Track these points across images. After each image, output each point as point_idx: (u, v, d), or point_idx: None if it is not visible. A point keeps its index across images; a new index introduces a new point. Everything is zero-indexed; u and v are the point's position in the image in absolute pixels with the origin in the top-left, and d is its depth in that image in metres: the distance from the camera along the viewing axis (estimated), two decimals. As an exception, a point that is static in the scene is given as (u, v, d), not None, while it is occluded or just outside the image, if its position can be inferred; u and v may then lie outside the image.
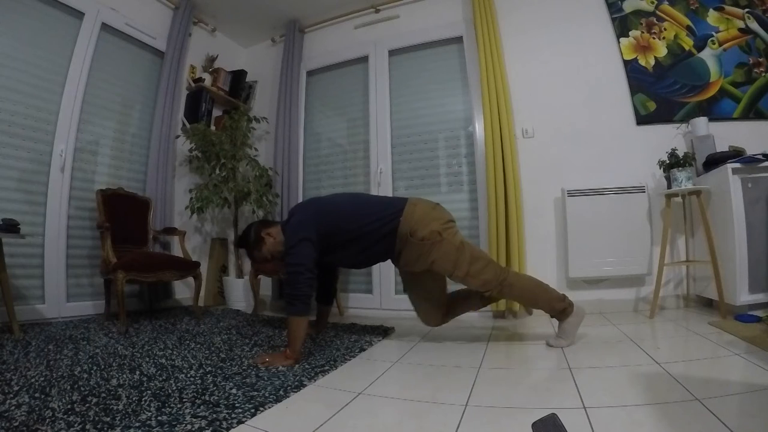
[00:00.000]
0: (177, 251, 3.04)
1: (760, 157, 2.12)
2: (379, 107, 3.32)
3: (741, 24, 2.66)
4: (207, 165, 3.32)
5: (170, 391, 1.25)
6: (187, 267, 2.67)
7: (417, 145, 3.23)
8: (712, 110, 2.61)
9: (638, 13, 2.82)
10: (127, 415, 1.06)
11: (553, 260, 2.77)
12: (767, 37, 2.62)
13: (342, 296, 3.13)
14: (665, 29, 2.77)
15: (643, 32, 2.80)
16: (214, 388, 1.30)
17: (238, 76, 3.79)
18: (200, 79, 3.51)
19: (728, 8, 2.69)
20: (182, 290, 3.22)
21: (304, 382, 1.37)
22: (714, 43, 2.68)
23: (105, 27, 2.86)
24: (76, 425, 0.99)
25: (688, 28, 2.74)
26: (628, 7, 2.84)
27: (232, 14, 3.63)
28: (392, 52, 3.39)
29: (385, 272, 3.06)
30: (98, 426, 0.99)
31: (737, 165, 2.14)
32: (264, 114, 3.68)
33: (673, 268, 2.60)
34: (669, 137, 2.60)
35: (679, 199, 2.56)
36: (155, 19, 3.23)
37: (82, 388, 1.27)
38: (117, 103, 3.00)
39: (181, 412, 1.08)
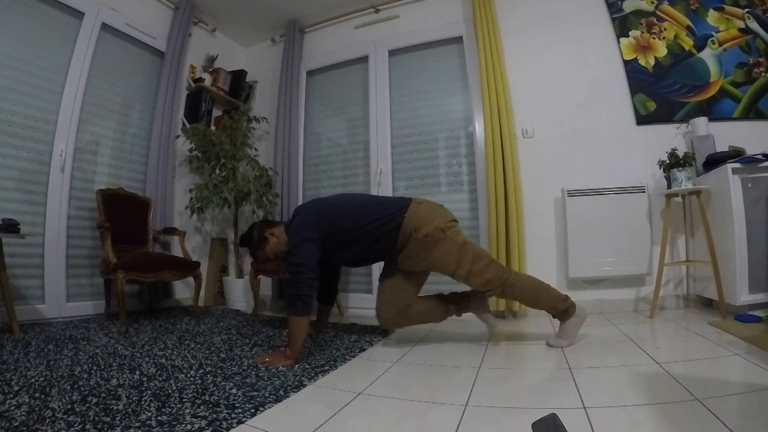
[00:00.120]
0: (177, 251, 3.04)
1: (760, 157, 2.12)
2: (379, 107, 3.32)
3: (741, 24, 2.66)
4: (207, 165, 3.32)
5: (170, 391, 1.25)
6: (187, 267, 2.67)
7: (417, 145, 3.22)
8: (712, 110, 2.61)
9: (638, 13, 2.82)
10: (127, 415, 1.06)
11: (553, 260, 2.77)
12: (767, 37, 2.62)
13: (342, 296, 3.13)
14: (665, 29, 2.77)
15: (643, 32, 2.80)
16: (214, 388, 1.30)
17: (238, 76, 3.79)
18: (200, 79, 3.51)
19: (728, 8, 2.69)
20: (182, 290, 3.22)
21: (304, 382, 1.37)
22: (714, 43, 2.68)
23: (105, 27, 2.86)
24: (76, 425, 0.99)
25: (688, 28, 2.74)
26: (628, 7, 2.84)
27: (232, 14, 3.63)
28: (392, 52, 3.39)
29: (385, 272, 3.05)
30: (98, 426, 0.99)
31: (737, 165, 2.14)
32: (264, 114, 3.68)
33: (673, 268, 2.60)
34: (669, 137, 2.60)
35: (679, 199, 2.56)
36: (155, 19, 3.23)
37: (82, 388, 1.27)
38: (117, 103, 3.00)
39: (181, 412, 1.08)
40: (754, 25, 2.65)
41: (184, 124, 3.40)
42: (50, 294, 2.47)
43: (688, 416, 0.97)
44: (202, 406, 1.13)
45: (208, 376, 1.43)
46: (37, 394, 1.20)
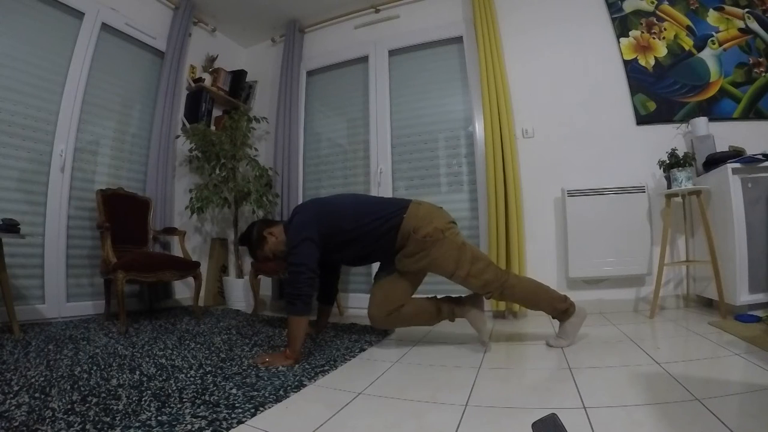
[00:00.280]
0: (177, 251, 3.04)
1: (760, 157, 2.12)
2: (379, 107, 3.32)
3: (741, 24, 2.66)
4: (207, 165, 3.32)
5: (170, 391, 1.25)
6: (187, 267, 2.67)
7: (417, 145, 3.22)
8: (712, 110, 2.61)
9: (638, 13, 2.82)
10: (127, 415, 1.06)
11: (553, 260, 2.77)
12: (767, 37, 2.62)
13: (342, 296, 3.13)
14: (665, 29, 2.77)
15: (643, 32, 2.80)
16: (214, 388, 1.30)
17: (238, 76, 3.79)
18: (200, 79, 3.51)
19: (728, 8, 2.69)
20: (182, 290, 3.22)
21: (304, 382, 1.37)
22: (714, 43, 2.68)
23: (105, 27, 2.86)
24: (76, 425, 0.99)
25: (688, 28, 2.74)
26: (628, 7, 2.84)
27: (232, 14, 3.63)
28: (392, 52, 3.39)
29: (385, 272, 3.05)
30: (98, 426, 0.99)
31: (737, 165, 2.14)
32: (264, 114, 3.68)
33: (673, 268, 2.60)
34: (669, 137, 2.60)
35: (679, 199, 2.56)
36: (155, 19, 3.23)
37: (82, 388, 1.27)
38: (117, 103, 3.00)
39: (181, 412, 1.08)
40: (754, 25, 2.65)
41: (184, 124, 3.40)
42: (50, 294, 2.47)
43: (688, 416, 0.97)
44: (202, 406, 1.13)
45: (208, 376, 1.43)
46: (37, 394, 1.20)
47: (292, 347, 1.62)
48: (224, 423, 1.02)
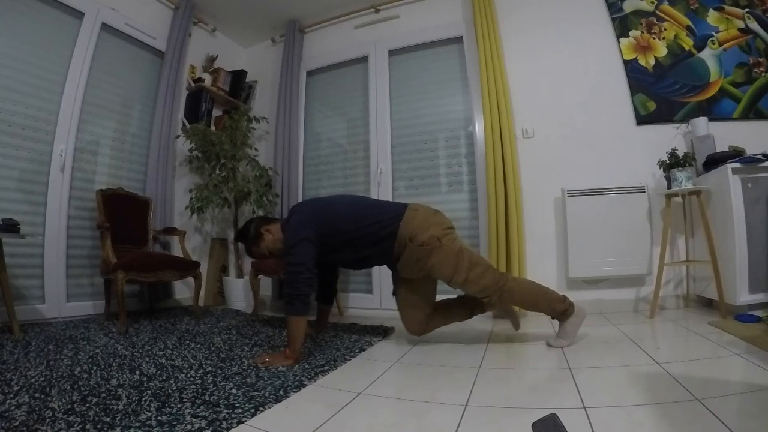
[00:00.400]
0: (177, 251, 3.04)
1: (760, 157, 2.11)
2: (379, 107, 3.32)
3: (741, 24, 2.66)
4: (207, 165, 3.32)
5: (170, 391, 1.25)
6: (187, 267, 2.67)
7: (417, 145, 3.22)
8: (712, 110, 2.61)
9: (638, 13, 2.82)
10: (127, 415, 1.06)
11: (553, 260, 2.77)
12: (767, 37, 2.62)
13: (342, 296, 3.13)
14: (665, 29, 2.77)
15: (643, 32, 2.80)
16: (214, 388, 1.30)
17: (238, 76, 3.79)
18: (200, 79, 3.51)
19: (728, 8, 2.69)
20: (182, 290, 3.22)
21: (304, 382, 1.37)
22: (714, 43, 2.68)
23: (105, 27, 2.86)
24: (76, 425, 0.99)
25: (688, 28, 2.74)
26: (628, 7, 2.84)
27: (232, 14, 3.63)
28: (392, 52, 3.39)
29: (385, 272, 3.03)
30: (98, 426, 0.99)
31: (737, 165, 2.14)
32: (264, 114, 3.68)
33: (673, 268, 2.60)
34: (669, 137, 2.60)
35: (679, 199, 2.56)
36: (155, 19, 3.23)
37: (82, 388, 1.27)
38: (117, 103, 3.00)
39: (181, 412, 1.08)
40: (754, 25, 2.65)
41: (184, 124, 3.40)
42: (50, 294, 2.47)
43: (688, 416, 0.97)
44: (202, 406, 1.13)
45: (208, 376, 1.43)
46: (37, 394, 1.20)
47: (292, 347, 1.62)
48: (224, 423, 1.02)
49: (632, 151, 2.71)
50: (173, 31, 3.25)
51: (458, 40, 3.19)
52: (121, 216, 2.66)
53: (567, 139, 2.83)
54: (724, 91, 2.62)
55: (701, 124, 2.48)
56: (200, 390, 1.27)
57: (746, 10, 2.67)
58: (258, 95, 3.98)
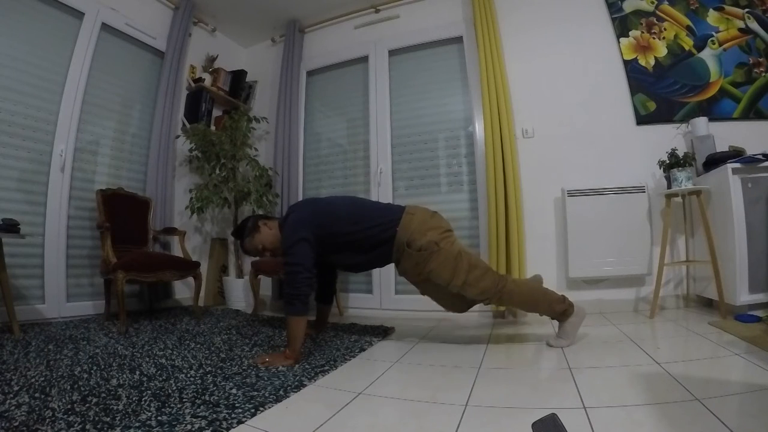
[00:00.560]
0: (177, 251, 3.04)
1: (760, 157, 2.11)
2: (379, 107, 3.32)
3: (741, 24, 2.66)
4: (207, 165, 3.32)
5: (170, 391, 1.25)
6: (187, 267, 2.67)
7: (417, 145, 3.22)
8: (712, 110, 2.61)
9: (638, 13, 2.82)
10: (127, 415, 1.06)
11: (553, 260, 2.77)
12: (767, 37, 2.62)
13: (342, 296, 3.13)
14: (665, 29, 2.77)
15: (643, 32, 2.80)
16: (214, 388, 1.30)
17: (238, 76, 3.79)
18: (200, 79, 3.51)
19: (728, 8, 2.69)
20: (182, 290, 3.22)
21: (304, 382, 1.37)
22: (714, 43, 2.68)
23: (105, 27, 2.86)
24: (76, 425, 0.99)
25: (688, 28, 2.74)
26: (628, 7, 2.84)
27: (232, 14, 3.63)
28: (392, 52, 3.39)
29: (385, 272, 3.06)
30: (98, 426, 0.99)
31: (737, 165, 2.14)
32: (264, 114, 3.68)
33: (673, 268, 2.60)
34: (669, 137, 2.60)
35: (679, 199, 2.56)
36: (155, 19, 3.23)
37: (82, 388, 1.27)
38: (117, 103, 3.00)
39: (181, 412, 1.08)
40: (754, 25, 2.65)
41: (184, 124, 3.40)
42: (50, 294, 2.47)
43: (688, 416, 0.97)
44: (202, 406, 1.13)
45: (208, 376, 1.43)
46: (37, 394, 1.20)
47: (292, 347, 1.62)
48: (224, 423, 1.02)
49: (632, 151, 2.71)
50: (173, 31, 3.25)
51: (458, 40, 3.19)
52: (121, 216, 2.66)
53: (567, 139, 2.83)
54: (724, 91, 2.62)
55: (701, 124, 2.48)
56: (200, 390, 1.27)
57: (746, 10, 2.67)
58: (258, 95, 3.98)
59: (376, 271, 3.09)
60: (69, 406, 1.11)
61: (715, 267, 2.18)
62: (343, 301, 3.14)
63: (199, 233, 3.55)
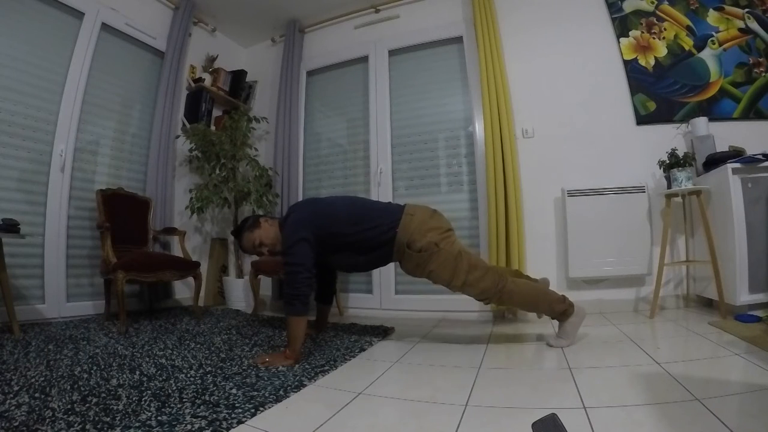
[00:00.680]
0: (177, 251, 3.04)
1: (760, 157, 2.11)
2: (379, 107, 3.32)
3: (741, 24, 2.66)
4: (207, 165, 3.32)
5: (170, 391, 1.25)
6: (187, 267, 2.67)
7: (417, 145, 3.22)
8: (712, 110, 2.61)
9: (638, 13, 2.82)
10: (127, 415, 1.06)
11: (553, 260, 2.77)
12: (767, 37, 2.62)
13: (342, 296, 3.13)
14: (665, 29, 2.77)
15: (643, 32, 2.80)
16: (214, 388, 1.30)
17: (238, 76, 3.79)
18: (200, 79, 3.51)
19: (728, 8, 2.69)
20: (182, 290, 3.22)
21: (304, 382, 1.37)
22: (714, 43, 2.68)
23: (105, 27, 2.86)
24: (76, 425, 0.99)
25: (688, 28, 2.74)
26: (628, 7, 2.84)
27: (232, 14, 3.63)
28: (392, 52, 3.39)
29: (385, 272, 3.06)
30: (98, 426, 0.99)
31: (737, 165, 2.14)
32: (264, 114, 3.68)
33: (673, 268, 2.60)
34: (669, 137, 2.60)
35: (679, 199, 2.56)
36: (155, 19, 3.23)
37: (82, 388, 1.27)
38: (117, 103, 3.00)
39: (181, 412, 1.08)
40: (754, 25, 2.65)
41: (184, 124, 3.40)
42: (50, 294, 2.47)
43: (688, 416, 0.97)
44: (202, 406, 1.13)
45: (208, 376, 1.43)
46: (37, 394, 1.20)
47: (292, 347, 1.62)
48: (224, 423, 1.02)
49: (632, 151, 2.71)
50: (173, 31, 3.25)
51: (458, 40, 3.19)
52: (121, 216, 2.66)
53: (567, 139, 2.83)
54: (724, 91, 2.62)
55: (701, 124, 2.48)
56: (200, 390, 1.27)
57: (746, 10, 2.67)
58: (258, 95, 3.98)
59: (376, 271, 3.09)
60: (69, 406, 1.11)
61: (715, 267, 2.18)
62: (343, 301, 3.14)
63: (199, 233, 3.55)
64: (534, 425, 0.69)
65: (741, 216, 2.11)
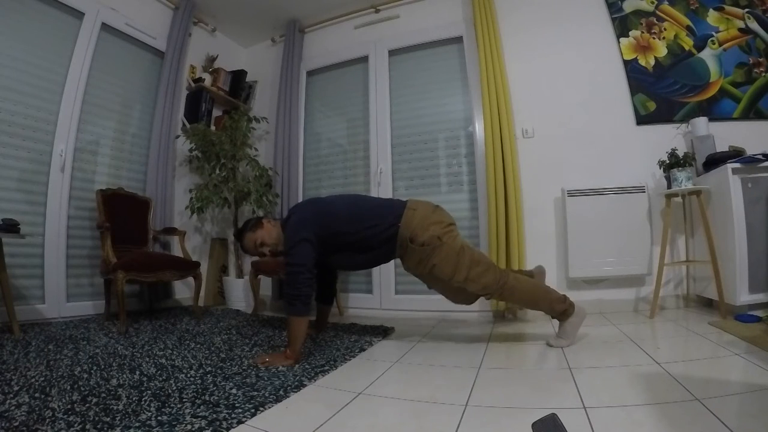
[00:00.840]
0: (177, 251, 3.04)
1: (760, 157, 2.11)
2: (379, 107, 3.32)
3: (741, 24, 2.66)
4: (207, 165, 3.32)
5: (170, 391, 1.25)
6: (187, 267, 2.67)
7: (417, 145, 3.22)
8: (712, 110, 2.61)
9: (638, 13, 2.82)
10: (127, 415, 1.06)
11: (553, 260, 2.76)
12: (767, 37, 2.62)
13: (342, 296, 3.13)
14: (665, 29, 2.77)
15: (643, 32, 2.80)
16: (214, 388, 1.30)
17: (238, 76, 3.79)
18: (200, 79, 3.51)
19: (728, 8, 2.69)
20: (182, 290, 3.22)
21: (304, 382, 1.37)
22: (714, 43, 2.68)
23: (105, 27, 2.86)
24: (76, 425, 0.99)
25: (688, 28, 2.74)
26: (628, 7, 2.84)
27: (232, 14, 3.63)
28: (392, 52, 3.39)
29: (385, 272, 3.06)
30: (98, 426, 0.99)
31: (737, 165, 2.14)
32: (264, 114, 3.68)
33: (673, 268, 2.60)
34: (669, 137, 2.60)
35: (679, 199, 2.56)
36: (155, 19, 3.23)
37: (82, 388, 1.27)
38: (117, 103, 3.00)
39: (181, 412, 1.08)
40: (754, 25, 2.65)
41: (184, 124, 3.40)
42: (50, 294, 2.47)
43: (688, 416, 0.97)
44: (202, 406, 1.13)
45: (208, 376, 1.43)
46: (37, 394, 1.20)
47: (293, 347, 1.62)
48: (224, 423, 1.02)
49: (632, 151, 2.71)
50: (173, 31, 3.25)
51: (458, 40, 3.19)
52: (121, 216, 2.66)
53: (567, 139, 2.83)
54: (724, 91, 2.62)
55: (701, 124, 2.48)
56: (200, 390, 1.27)
57: (746, 10, 2.67)
58: (258, 95, 3.98)
59: (375, 271, 3.10)
60: (69, 406, 1.11)
61: (715, 267, 2.18)
62: (343, 301, 3.14)
63: (199, 233, 3.55)
64: (534, 425, 0.69)
65: (741, 216, 2.11)
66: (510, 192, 2.68)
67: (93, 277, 2.69)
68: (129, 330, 2.21)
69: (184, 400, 1.18)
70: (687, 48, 2.72)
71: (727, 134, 2.47)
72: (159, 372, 1.46)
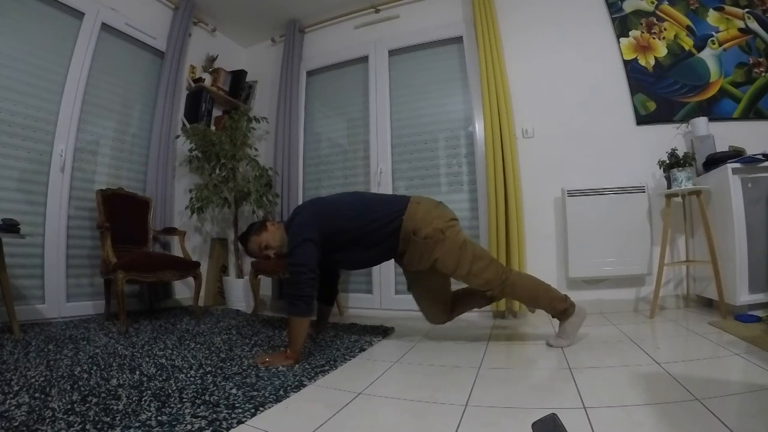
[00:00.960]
0: (177, 251, 3.04)
1: (760, 157, 2.11)
2: (379, 107, 3.32)
3: (741, 24, 2.66)
4: (207, 165, 3.32)
5: (170, 391, 1.25)
6: (187, 267, 2.67)
7: (417, 145, 3.23)
8: (712, 110, 2.61)
9: (638, 13, 2.82)
10: (127, 415, 1.06)
11: (553, 260, 2.77)
12: (767, 37, 2.62)
13: (342, 296, 3.13)
14: (665, 29, 2.77)
15: (643, 32, 2.80)
16: (214, 388, 1.30)
17: (238, 76, 3.79)
18: (200, 79, 3.51)
19: (728, 8, 2.69)
20: (182, 290, 3.22)
21: (304, 382, 1.37)
22: (714, 43, 2.68)
23: (105, 27, 2.86)
24: (76, 425, 0.99)
25: (688, 28, 2.74)
26: (628, 7, 2.84)
27: (232, 14, 3.63)
28: (392, 52, 3.39)
29: (385, 272, 3.06)
30: (98, 426, 0.99)
31: (737, 165, 2.14)
32: (264, 114, 3.68)
33: (673, 268, 2.60)
34: (669, 137, 2.60)
35: (679, 199, 2.56)
36: (155, 19, 3.23)
37: (82, 388, 1.27)
38: (117, 103, 3.00)
39: (181, 412, 1.08)
40: (754, 25, 2.65)
41: (184, 124, 3.40)
42: (50, 294, 2.47)
43: (688, 416, 0.97)
44: (202, 406, 1.13)
45: (208, 376, 1.43)
46: (37, 394, 1.20)
47: (293, 347, 1.62)
48: (224, 423, 1.02)
49: (632, 151, 2.71)
50: (173, 31, 3.25)
51: (458, 40, 3.19)
52: (121, 216, 2.66)
53: (567, 139, 2.83)
54: (724, 91, 2.62)
55: (701, 124, 2.48)
56: (200, 390, 1.27)
57: (746, 10, 2.67)
58: (258, 95, 3.98)
59: (376, 271, 3.10)
60: (69, 406, 1.11)
61: (715, 267, 2.18)
62: (343, 301, 3.14)
63: (199, 233, 3.55)
64: (534, 425, 0.69)
65: (741, 216, 2.11)
66: (510, 192, 2.68)
67: (93, 277, 2.69)
68: (129, 330, 2.21)
69: (184, 400, 1.18)
70: (687, 48, 2.72)
71: (727, 134, 2.47)
72: (159, 372, 1.46)
